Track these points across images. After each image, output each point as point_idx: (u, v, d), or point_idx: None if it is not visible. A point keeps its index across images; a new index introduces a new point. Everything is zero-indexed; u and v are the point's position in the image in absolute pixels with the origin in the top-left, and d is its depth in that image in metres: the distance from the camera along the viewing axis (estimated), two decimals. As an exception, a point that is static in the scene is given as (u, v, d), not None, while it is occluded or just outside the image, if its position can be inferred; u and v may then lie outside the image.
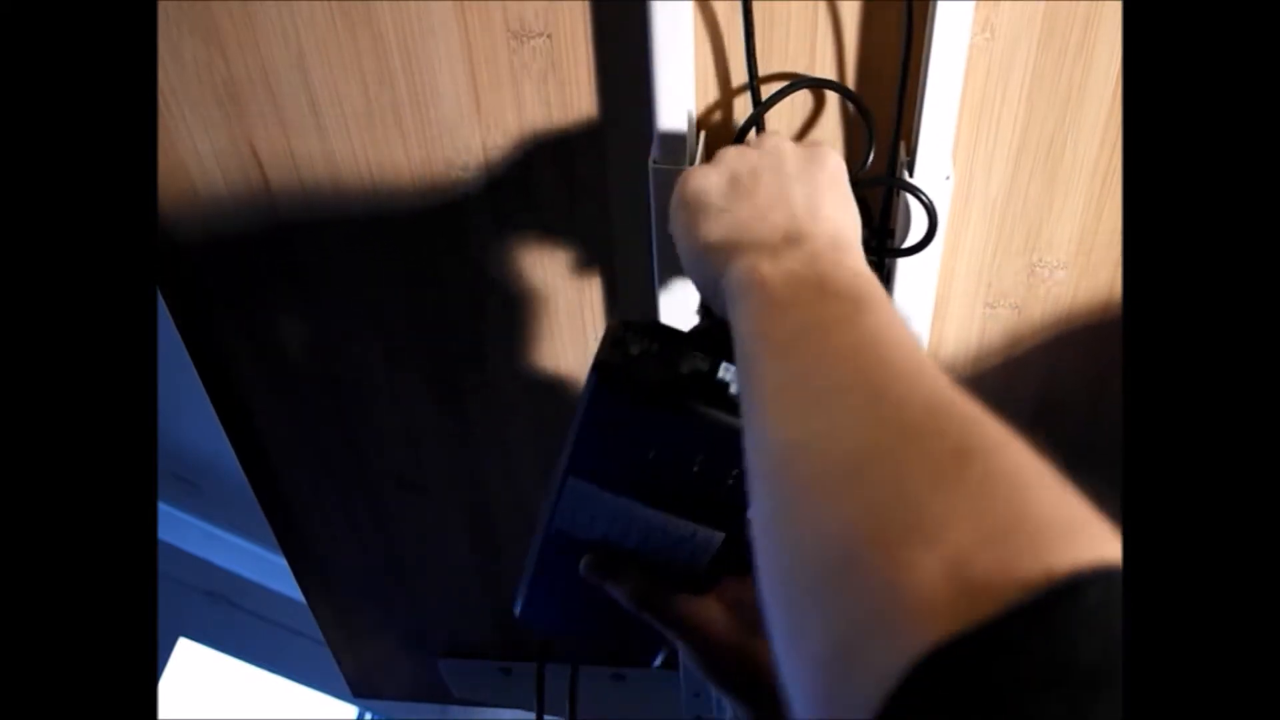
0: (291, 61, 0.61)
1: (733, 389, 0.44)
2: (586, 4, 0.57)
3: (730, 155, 0.50)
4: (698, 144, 0.59)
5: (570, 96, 0.61)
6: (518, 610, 0.57)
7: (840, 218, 0.47)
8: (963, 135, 0.61)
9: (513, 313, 0.73)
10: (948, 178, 0.58)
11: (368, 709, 2.19)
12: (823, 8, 0.57)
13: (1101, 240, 0.65)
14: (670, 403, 0.43)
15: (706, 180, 0.48)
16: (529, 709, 1.09)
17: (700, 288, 0.47)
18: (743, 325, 0.40)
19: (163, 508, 1.89)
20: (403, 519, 0.91)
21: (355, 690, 1.16)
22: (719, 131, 0.62)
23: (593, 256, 0.69)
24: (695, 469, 0.45)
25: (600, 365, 0.43)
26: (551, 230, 0.68)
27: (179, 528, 1.93)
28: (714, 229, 0.46)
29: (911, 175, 0.58)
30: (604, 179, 0.65)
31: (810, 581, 0.29)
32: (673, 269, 0.62)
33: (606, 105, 0.62)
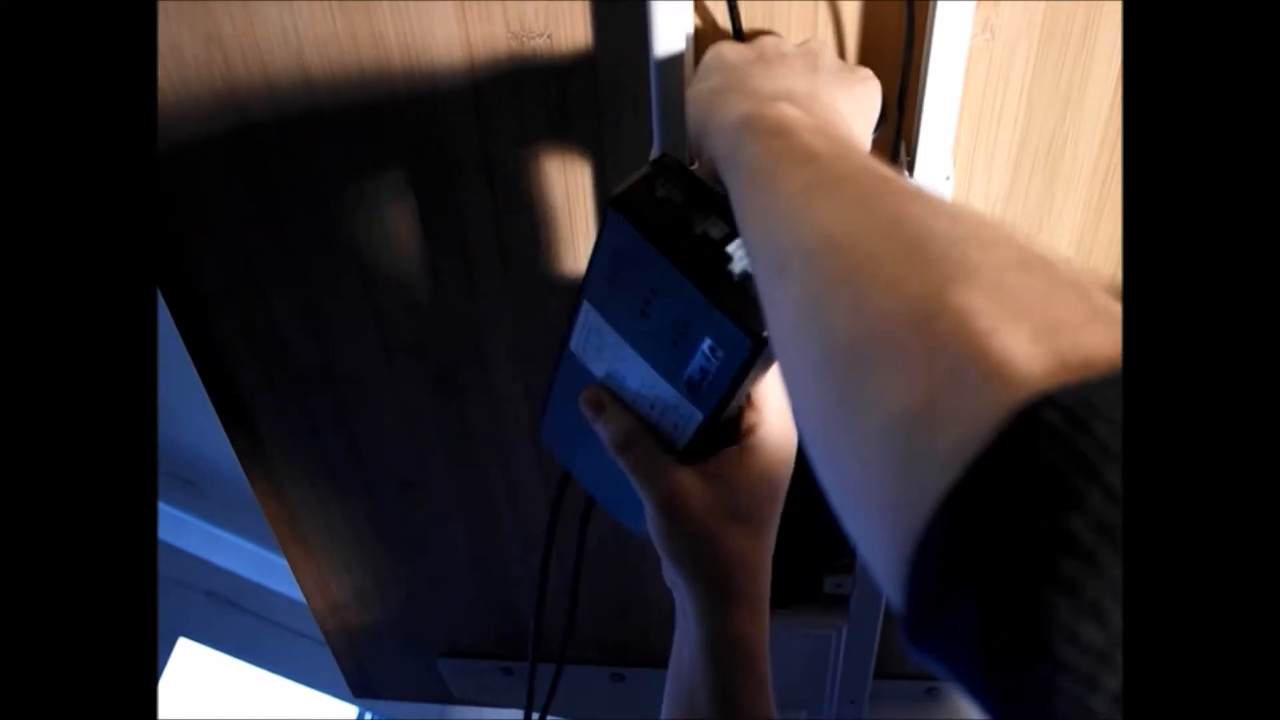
0: (291, 61, 0.61)
1: (735, 267, 0.43)
2: (586, 4, 0.57)
3: (766, 40, 0.50)
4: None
5: (570, 97, 0.61)
6: (542, 434, 0.56)
7: (858, 127, 0.46)
8: (963, 135, 0.61)
9: (513, 312, 0.73)
10: (948, 178, 0.58)
11: (368, 709, 2.19)
12: (823, 8, 0.57)
13: (1101, 240, 0.65)
14: (668, 252, 0.43)
15: (734, 50, 0.48)
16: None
17: (694, 134, 0.46)
18: (744, 152, 0.39)
19: (163, 508, 1.89)
20: (403, 519, 0.91)
21: (355, 690, 1.16)
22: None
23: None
24: (679, 332, 0.44)
25: (620, 194, 0.44)
26: (551, 231, 0.68)
27: (179, 528, 1.93)
28: (726, 76, 0.46)
29: (911, 175, 0.58)
30: (604, 180, 0.65)
31: (878, 346, 0.26)
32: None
33: (606, 105, 0.62)
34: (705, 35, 0.58)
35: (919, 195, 0.32)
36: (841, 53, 0.58)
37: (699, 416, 0.46)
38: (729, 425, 0.48)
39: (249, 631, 2.04)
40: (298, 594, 1.02)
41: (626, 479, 0.49)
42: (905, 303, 0.26)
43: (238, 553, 1.99)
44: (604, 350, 0.49)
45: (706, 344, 0.43)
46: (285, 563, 0.97)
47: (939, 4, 0.52)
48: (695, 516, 0.47)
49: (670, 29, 0.53)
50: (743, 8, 0.57)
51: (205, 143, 0.65)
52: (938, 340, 0.24)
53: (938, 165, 0.57)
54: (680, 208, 0.44)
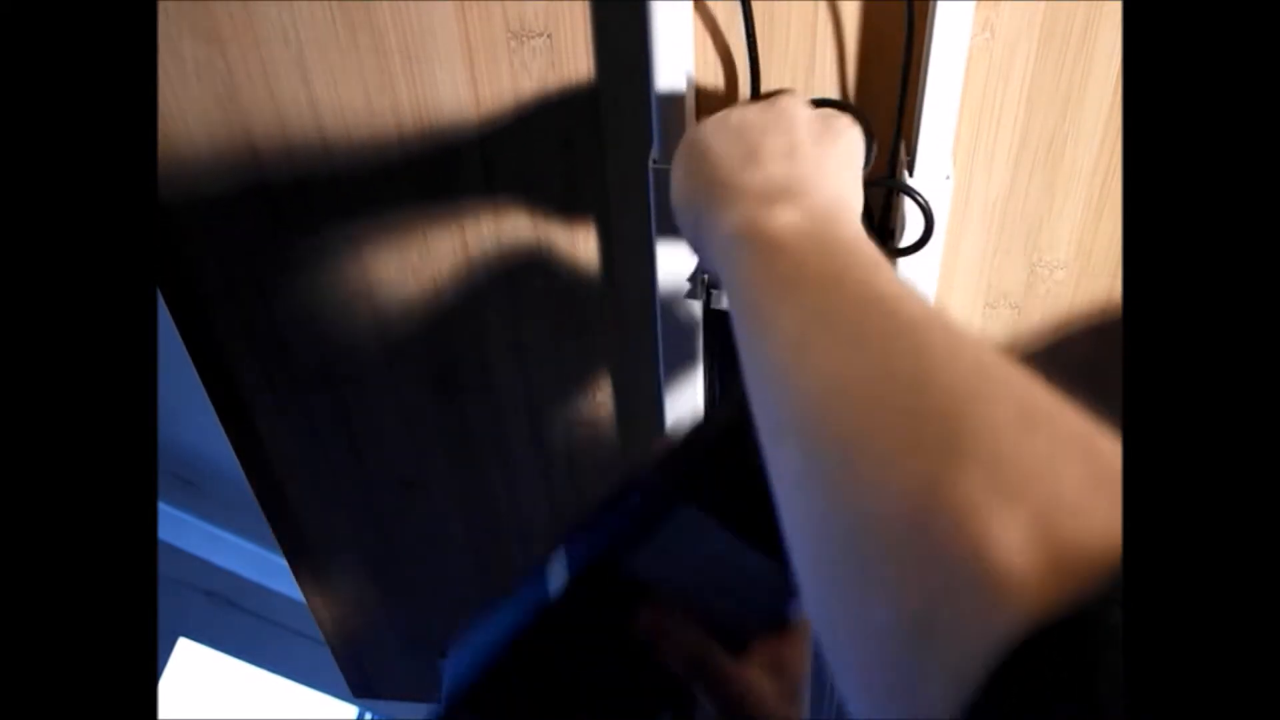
0: (291, 61, 0.61)
1: None
2: (586, 4, 0.57)
3: (739, 110, 0.49)
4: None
5: (570, 96, 0.61)
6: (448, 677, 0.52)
7: (845, 191, 0.45)
8: (963, 135, 0.61)
9: (513, 312, 0.73)
10: (948, 178, 0.58)
11: (368, 709, 2.19)
12: (823, 8, 0.57)
13: (1101, 240, 0.65)
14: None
15: (709, 130, 0.48)
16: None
17: (689, 239, 0.46)
18: (741, 272, 0.38)
19: (163, 508, 1.90)
20: (403, 519, 0.91)
21: (355, 690, 1.16)
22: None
23: (592, 257, 0.69)
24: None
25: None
26: (551, 231, 0.68)
27: (179, 528, 1.93)
28: (710, 173, 0.45)
29: (911, 175, 0.58)
30: (604, 180, 0.65)
31: (873, 543, 0.26)
32: (672, 267, 0.62)
33: (606, 105, 0.62)
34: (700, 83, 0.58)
35: (916, 325, 0.31)
36: (842, 52, 0.58)
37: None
38: None
39: (249, 631, 2.04)
40: (298, 594, 1.02)
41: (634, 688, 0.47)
42: (899, 494, 0.26)
43: (238, 553, 1.99)
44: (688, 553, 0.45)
45: None
46: (285, 563, 0.97)
47: (939, 4, 0.52)
48: (773, 714, 0.45)
49: (671, 29, 0.53)
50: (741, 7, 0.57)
51: (205, 143, 0.65)
52: (934, 546, 0.24)
53: (938, 165, 0.57)
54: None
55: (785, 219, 0.39)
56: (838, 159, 0.47)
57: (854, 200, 0.46)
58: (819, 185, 0.43)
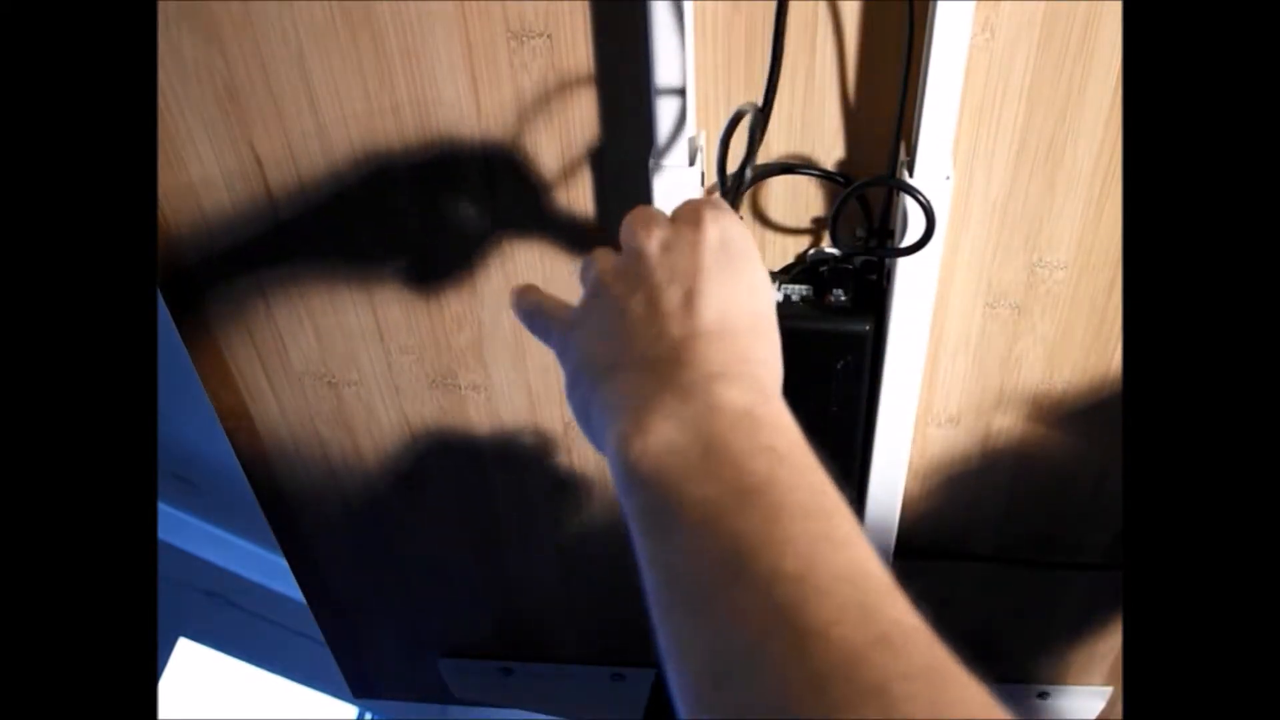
0: (291, 61, 0.61)
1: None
2: (586, 4, 0.57)
3: (595, 264, 0.43)
4: (698, 144, 0.59)
5: (570, 96, 0.61)
6: None
7: (734, 318, 0.39)
8: (963, 135, 0.61)
9: (513, 312, 0.73)
10: (948, 178, 0.58)
11: (368, 709, 2.19)
12: (823, 8, 0.57)
13: (1101, 240, 0.65)
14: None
15: (574, 310, 0.43)
16: (529, 709, 1.10)
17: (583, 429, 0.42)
18: (629, 502, 0.35)
19: (163, 508, 1.90)
20: (403, 519, 0.91)
21: (355, 690, 1.16)
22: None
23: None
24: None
25: None
26: (551, 230, 0.68)
27: (179, 528, 1.93)
28: (576, 359, 0.41)
29: (911, 175, 0.58)
30: (604, 180, 0.65)
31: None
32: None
33: (606, 105, 0.62)
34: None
35: (804, 578, 0.29)
36: (842, 52, 0.58)
37: None
38: None
39: (249, 631, 2.04)
40: (298, 594, 1.02)
41: None
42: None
43: (238, 553, 1.99)
44: None
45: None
46: (285, 563, 0.97)
47: (939, 4, 0.52)
48: None
49: (671, 29, 0.53)
50: (742, 7, 0.57)
51: (205, 143, 0.65)
52: None
53: (938, 165, 0.57)
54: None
55: (660, 436, 0.35)
56: (715, 271, 0.40)
57: (749, 317, 0.40)
58: (697, 341, 0.38)
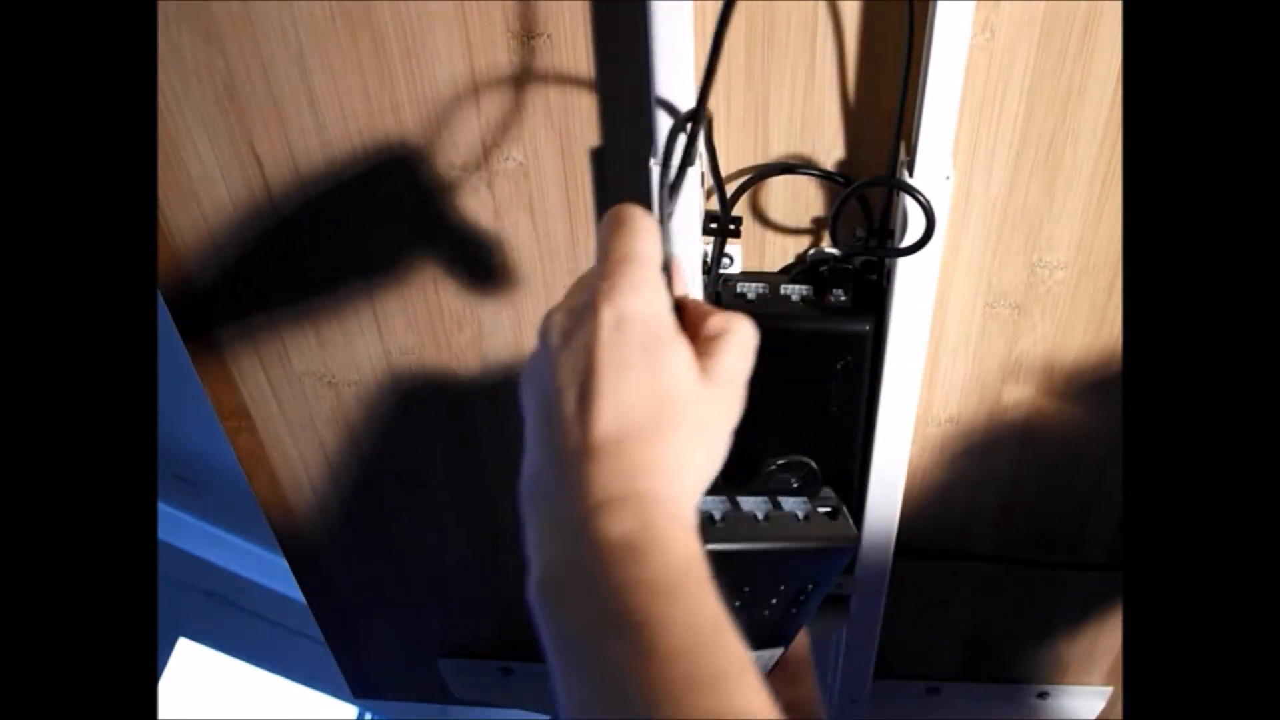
0: (291, 61, 0.61)
1: (799, 514, 0.45)
2: (586, 4, 0.57)
3: (567, 361, 0.39)
4: (698, 144, 0.59)
5: (570, 96, 0.61)
6: None
7: (634, 418, 0.36)
8: (963, 135, 0.61)
9: (513, 313, 0.73)
10: (948, 178, 0.58)
11: (368, 709, 2.19)
12: (823, 8, 0.57)
13: (1101, 240, 0.65)
14: (761, 548, 0.44)
15: (532, 397, 0.41)
16: (529, 709, 1.09)
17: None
18: (540, 627, 0.35)
19: (163, 508, 1.90)
20: (403, 519, 0.91)
21: (355, 690, 1.16)
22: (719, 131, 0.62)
23: (593, 257, 0.69)
24: (774, 599, 0.46)
25: None
26: (552, 230, 0.68)
27: (179, 528, 1.93)
28: (537, 467, 0.40)
29: (911, 175, 0.58)
30: (604, 180, 0.65)
31: None
32: (673, 269, 0.62)
33: (606, 105, 0.62)
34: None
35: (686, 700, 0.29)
36: (842, 52, 0.58)
37: (777, 654, 0.50)
38: None
39: (249, 631, 2.04)
40: (298, 594, 1.02)
41: None
42: None
43: (238, 553, 1.99)
44: None
45: (809, 585, 0.46)
46: (285, 563, 0.97)
47: (939, 4, 0.52)
48: None
49: (671, 29, 0.53)
50: (742, 7, 0.57)
51: (205, 143, 0.65)
52: None
53: (938, 165, 0.57)
54: (732, 509, 0.45)
55: (549, 556, 0.34)
56: (608, 364, 0.36)
57: (641, 411, 0.36)
58: (595, 481, 0.35)
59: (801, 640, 0.54)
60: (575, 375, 0.37)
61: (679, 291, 0.42)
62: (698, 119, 0.48)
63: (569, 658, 0.33)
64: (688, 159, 0.49)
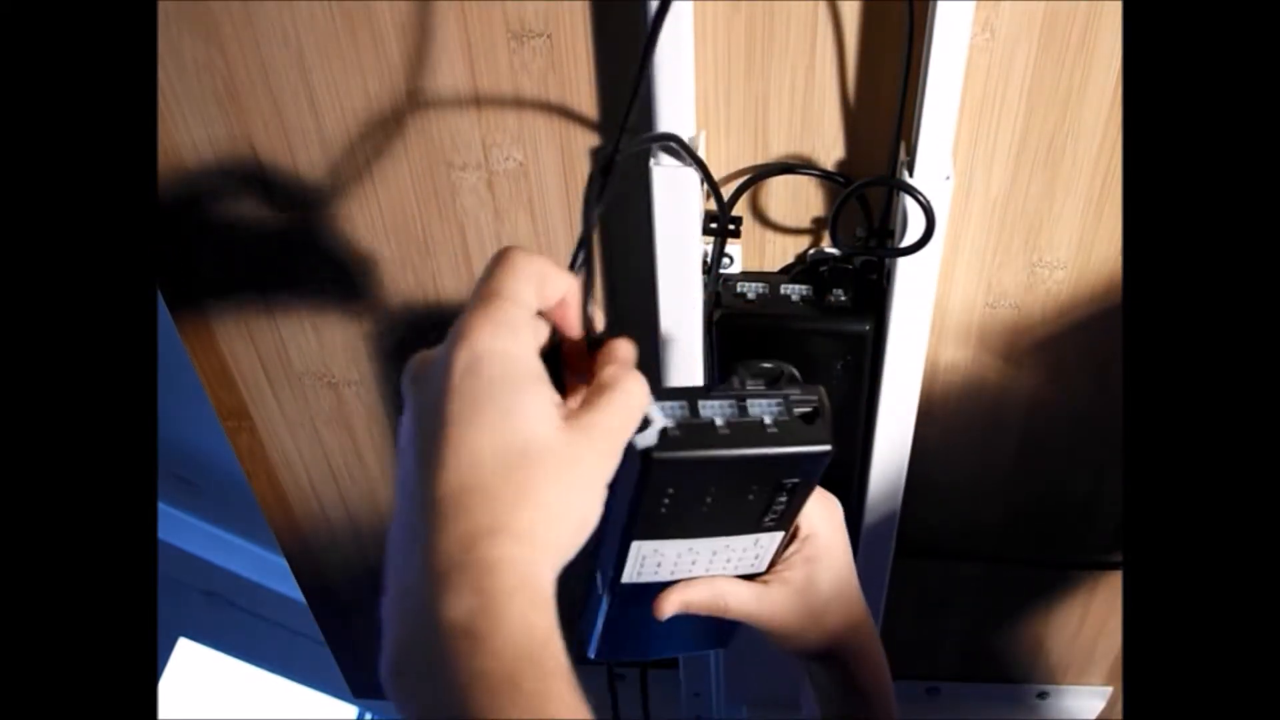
0: (291, 61, 0.61)
1: (766, 420, 0.44)
2: (586, 4, 0.57)
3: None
4: (698, 144, 0.59)
5: (570, 97, 0.61)
6: (592, 653, 0.57)
7: (483, 467, 0.33)
8: (963, 135, 0.61)
9: (513, 313, 0.73)
10: (948, 178, 0.58)
11: (368, 709, 2.18)
12: (823, 8, 0.57)
13: (1101, 240, 0.65)
14: (715, 455, 0.43)
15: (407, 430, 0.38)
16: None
17: None
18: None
19: (163, 508, 1.89)
20: (403, 519, 0.91)
21: (355, 690, 1.16)
22: (719, 131, 0.62)
23: (593, 257, 0.69)
24: (750, 495, 0.46)
25: (648, 447, 0.42)
26: (551, 231, 0.68)
27: (179, 528, 1.93)
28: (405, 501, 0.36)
29: (911, 175, 0.58)
30: (604, 180, 0.65)
31: None
32: (673, 269, 0.62)
33: (606, 105, 0.62)
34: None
35: None
36: (842, 52, 0.58)
37: (780, 538, 0.50)
38: None
39: (249, 631, 2.04)
40: (298, 594, 1.02)
41: (699, 626, 0.53)
42: None
43: (238, 553, 1.99)
44: (663, 564, 0.49)
45: (788, 483, 0.46)
46: (285, 563, 0.97)
47: (939, 4, 0.52)
48: (797, 624, 0.52)
49: (670, 29, 0.53)
50: (742, 6, 0.57)
51: (205, 143, 0.65)
52: None
53: (938, 165, 0.57)
54: (688, 419, 0.44)
55: (387, 658, 0.32)
56: (490, 442, 0.33)
57: (510, 513, 0.33)
58: (437, 547, 0.32)
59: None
60: (427, 423, 0.34)
61: (573, 333, 0.40)
62: (609, 170, 0.47)
63: None
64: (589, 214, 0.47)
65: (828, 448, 0.44)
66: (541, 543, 0.34)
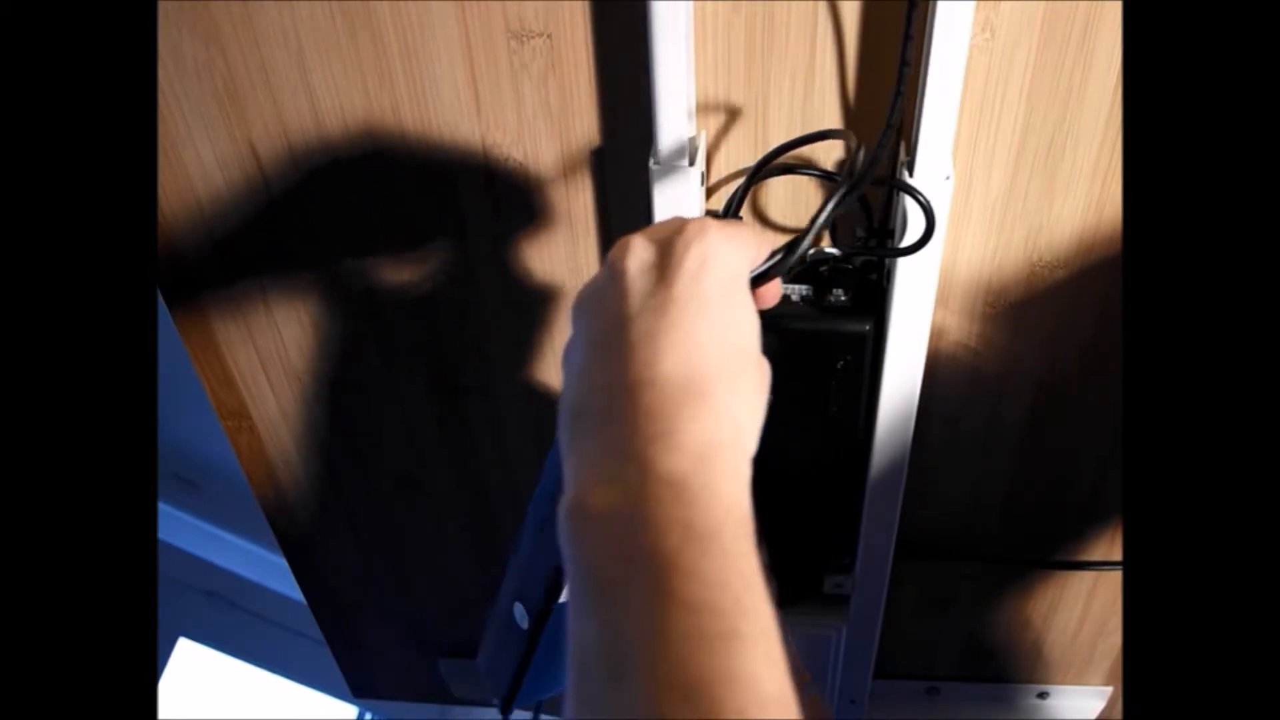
0: (291, 61, 0.61)
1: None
2: (586, 4, 0.57)
3: (601, 274, 0.39)
4: (698, 144, 0.60)
5: (570, 96, 0.61)
6: (507, 706, 0.55)
7: (700, 361, 0.35)
8: (963, 135, 0.61)
9: (513, 312, 0.73)
10: (948, 178, 0.58)
11: (368, 709, 2.18)
12: (823, 8, 0.57)
13: (1101, 240, 0.65)
14: None
15: (571, 322, 0.40)
16: (529, 709, 1.09)
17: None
18: (569, 560, 0.34)
19: (163, 508, 1.89)
20: (403, 519, 0.91)
21: (355, 690, 1.16)
22: (719, 131, 0.62)
23: (593, 257, 0.69)
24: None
25: None
26: (551, 230, 0.68)
27: (179, 528, 1.93)
28: (562, 389, 0.37)
29: (911, 175, 0.58)
30: (604, 180, 0.65)
31: None
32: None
33: (606, 105, 0.62)
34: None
35: (670, 684, 0.28)
36: (842, 52, 0.58)
37: None
38: None
39: (249, 631, 2.04)
40: (298, 594, 1.02)
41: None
42: None
43: (238, 553, 1.99)
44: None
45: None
46: (285, 563, 0.97)
47: (939, 4, 0.52)
48: None
49: (671, 29, 0.53)
50: (742, 7, 0.57)
51: (205, 143, 0.65)
52: None
53: (938, 165, 0.57)
54: None
55: (602, 500, 0.32)
56: (682, 310, 0.36)
57: (715, 362, 0.35)
58: (645, 392, 0.34)
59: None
60: (649, 305, 0.36)
61: (771, 300, 0.44)
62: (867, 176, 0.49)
63: (583, 589, 0.31)
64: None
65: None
66: (745, 436, 0.36)
